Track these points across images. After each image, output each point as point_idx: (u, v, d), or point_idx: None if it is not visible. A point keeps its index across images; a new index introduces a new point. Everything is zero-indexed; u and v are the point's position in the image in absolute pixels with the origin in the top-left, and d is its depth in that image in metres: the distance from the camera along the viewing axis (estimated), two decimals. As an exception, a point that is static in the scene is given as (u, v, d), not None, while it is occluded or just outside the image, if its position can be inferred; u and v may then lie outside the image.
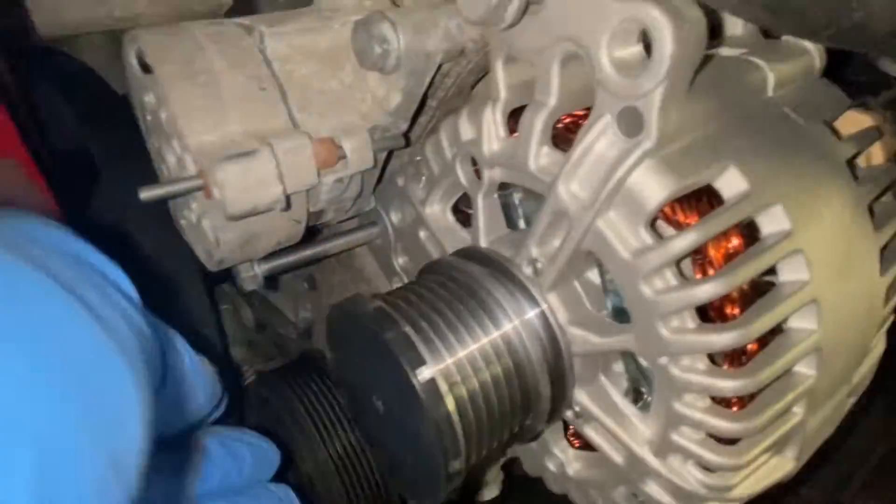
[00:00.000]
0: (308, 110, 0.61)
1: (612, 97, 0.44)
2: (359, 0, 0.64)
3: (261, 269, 0.71)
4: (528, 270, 0.53)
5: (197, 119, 0.55)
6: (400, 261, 0.86)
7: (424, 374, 0.45)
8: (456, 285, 0.55)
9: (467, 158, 0.59)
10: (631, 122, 0.44)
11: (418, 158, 0.77)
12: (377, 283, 0.91)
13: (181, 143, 0.56)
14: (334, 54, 0.62)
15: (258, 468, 0.53)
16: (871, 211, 0.53)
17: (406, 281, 0.87)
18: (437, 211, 0.68)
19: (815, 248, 0.46)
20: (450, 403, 0.46)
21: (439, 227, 0.68)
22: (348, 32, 0.63)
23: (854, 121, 0.62)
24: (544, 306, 0.52)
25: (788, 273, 0.46)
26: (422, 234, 0.70)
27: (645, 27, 0.40)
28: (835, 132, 0.53)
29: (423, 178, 0.69)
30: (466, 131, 0.58)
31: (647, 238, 0.45)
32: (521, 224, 0.63)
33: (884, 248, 0.53)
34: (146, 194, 0.51)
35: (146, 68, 0.59)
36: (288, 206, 0.57)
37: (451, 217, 0.67)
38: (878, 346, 0.59)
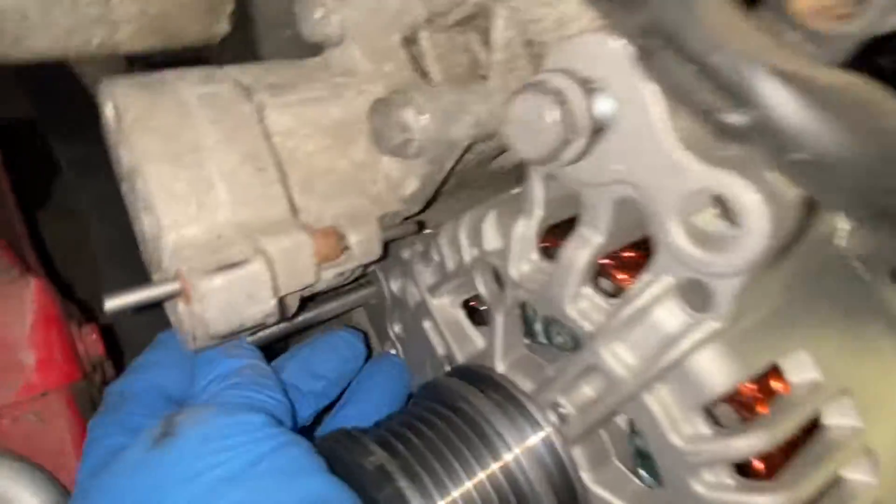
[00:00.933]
0: (311, 193, 0.52)
1: (679, 264, 0.37)
2: (377, 65, 0.56)
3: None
4: (551, 417, 0.47)
5: (178, 208, 0.46)
6: (396, 328, 0.79)
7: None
8: (464, 422, 0.48)
9: (489, 269, 0.52)
10: (698, 297, 0.37)
11: (428, 233, 0.70)
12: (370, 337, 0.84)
13: (157, 230, 0.47)
14: (345, 128, 0.54)
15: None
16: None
17: (399, 350, 0.80)
18: (446, 304, 0.61)
19: (883, 446, 0.41)
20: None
21: (447, 322, 0.61)
22: (363, 103, 0.55)
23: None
24: (566, 461, 0.46)
25: (853, 471, 0.41)
26: (426, 323, 0.63)
27: (735, 207, 0.33)
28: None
29: (433, 263, 0.62)
30: (491, 240, 0.51)
31: (702, 428, 0.39)
32: (538, 329, 0.57)
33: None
34: (111, 304, 0.42)
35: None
36: (281, 313, 0.49)
37: (461, 313, 0.61)
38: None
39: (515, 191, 0.55)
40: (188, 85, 0.51)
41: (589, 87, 0.35)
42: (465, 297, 0.60)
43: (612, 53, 0.35)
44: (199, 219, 0.47)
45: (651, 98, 0.34)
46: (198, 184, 0.47)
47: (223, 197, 0.48)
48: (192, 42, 0.66)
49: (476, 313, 0.66)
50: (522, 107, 0.35)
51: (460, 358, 0.59)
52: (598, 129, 0.36)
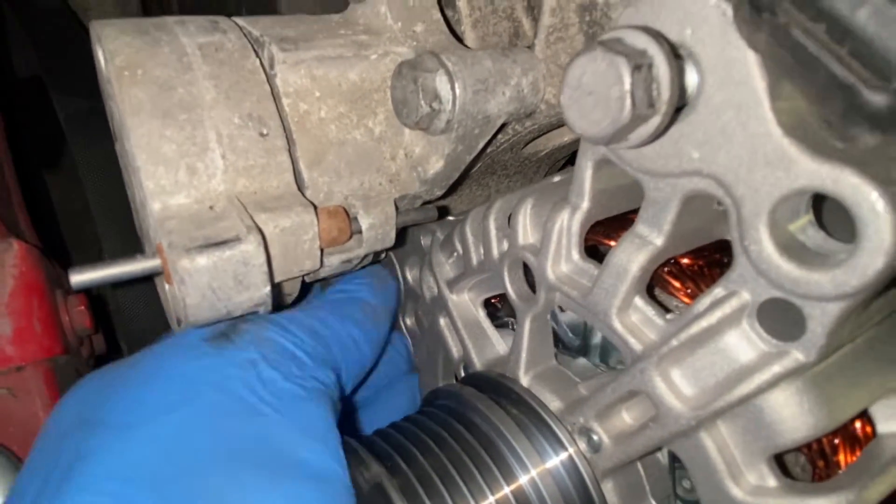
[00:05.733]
0: (320, 167, 0.46)
1: (761, 280, 0.30)
2: (406, 24, 0.49)
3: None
4: (582, 444, 0.40)
5: (166, 173, 0.40)
6: (408, 321, 0.73)
7: None
8: (478, 441, 0.42)
9: (519, 265, 0.45)
10: (782, 322, 0.30)
11: (450, 221, 0.63)
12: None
13: (141, 196, 0.41)
14: (365, 95, 0.47)
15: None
16: None
17: (409, 344, 0.74)
18: (466, 301, 0.54)
19: None
20: None
21: (465, 321, 0.54)
22: (387, 66, 0.48)
23: None
24: (594, 495, 0.39)
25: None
26: (442, 320, 0.57)
27: (852, 212, 0.26)
28: None
29: (455, 255, 0.55)
30: (526, 233, 0.44)
31: (769, 479, 0.32)
32: (594, 345, 0.49)
33: None
34: (77, 279, 0.36)
35: (113, 73, 0.44)
36: (274, 301, 0.43)
37: (481, 312, 0.54)
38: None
39: (557, 178, 0.48)
40: (188, 32, 0.44)
41: (676, 51, 0.27)
42: (489, 295, 0.53)
43: (702, 8, 0.28)
44: (189, 186, 0.40)
45: (751, 68, 0.27)
46: (190, 146, 0.41)
47: (218, 163, 0.41)
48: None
49: (497, 315, 0.60)
50: (588, 69, 0.28)
51: (478, 363, 0.52)
52: (681, 106, 0.29)
